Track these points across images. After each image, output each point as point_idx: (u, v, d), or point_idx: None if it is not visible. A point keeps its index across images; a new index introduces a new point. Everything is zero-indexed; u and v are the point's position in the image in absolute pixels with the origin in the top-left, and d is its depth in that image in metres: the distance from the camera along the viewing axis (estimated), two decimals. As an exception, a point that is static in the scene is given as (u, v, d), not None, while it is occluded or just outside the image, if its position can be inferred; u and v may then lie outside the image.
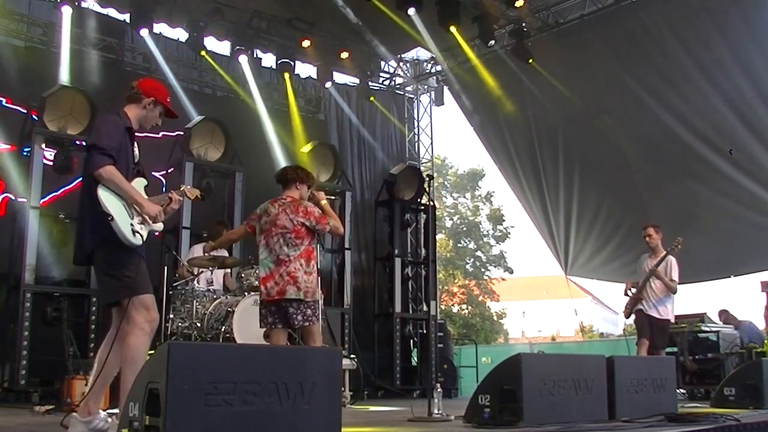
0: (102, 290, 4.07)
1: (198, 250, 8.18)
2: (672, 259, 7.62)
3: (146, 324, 3.90)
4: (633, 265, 8.17)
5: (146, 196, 4.11)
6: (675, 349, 9.23)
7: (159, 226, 4.20)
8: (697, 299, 12.24)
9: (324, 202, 5.74)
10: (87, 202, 3.99)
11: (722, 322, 10.23)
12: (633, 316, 7.86)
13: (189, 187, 4.48)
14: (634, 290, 7.81)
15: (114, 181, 3.88)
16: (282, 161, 11.12)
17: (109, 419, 3.92)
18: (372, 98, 13.06)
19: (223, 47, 11.65)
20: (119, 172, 3.91)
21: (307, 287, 5.37)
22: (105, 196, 3.86)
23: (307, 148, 11.13)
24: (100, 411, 3.97)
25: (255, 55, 11.66)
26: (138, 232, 3.94)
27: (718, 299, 13.10)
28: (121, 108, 4.20)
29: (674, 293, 7.69)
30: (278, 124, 11.77)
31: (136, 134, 4.24)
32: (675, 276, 7.62)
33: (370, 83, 13.11)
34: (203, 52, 10.89)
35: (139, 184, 4.14)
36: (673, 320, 7.89)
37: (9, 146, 9.02)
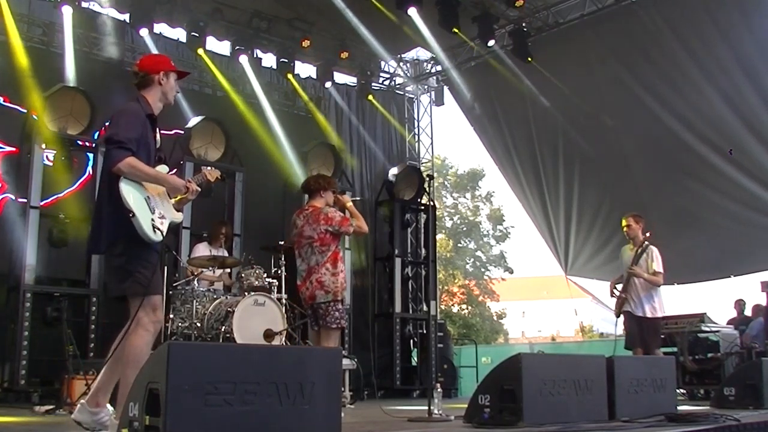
0: (111, 282, 3.96)
1: (201, 249, 8.18)
2: (653, 249, 7.32)
3: (151, 325, 3.86)
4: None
5: None
6: (675, 349, 9.22)
7: (179, 217, 4.15)
8: (697, 299, 12.24)
9: (349, 204, 6.03)
10: (106, 198, 3.92)
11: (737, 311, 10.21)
12: (622, 317, 7.55)
13: (209, 168, 4.43)
14: (619, 287, 7.52)
15: (135, 172, 3.82)
16: (282, 161, 11.13)
17: (114, 417, 3.91)
18: (370, 96, 13.04)
19: (223, 47, 11.67)
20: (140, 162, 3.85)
21: (335, 288, 5.70)
22: (126, 191, 3.79)
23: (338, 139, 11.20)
24: (108, 405, 3.96)
25: (255, 55, 11.67)
26: (158, 228, 3.88)
27: (718, 299, 13.11)
28: (138, 95, 4.10)
29: (659, 286, 7.34)
30: (278, 124, 11.76)
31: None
32: (657, 267, 7.27)
33: (370, 83, 13.10)
34: (201, 50, 10.88)
35: (161, 171, 4.10)
36: (662, 315, 7.51)
37: (13, 149, 9.01)
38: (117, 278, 3.92)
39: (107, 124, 4.32)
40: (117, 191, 3.79)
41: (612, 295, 7.62)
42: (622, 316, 7.56)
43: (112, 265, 3.96)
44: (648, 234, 7.39)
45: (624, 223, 7.54)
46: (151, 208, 3.90)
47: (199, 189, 4.20)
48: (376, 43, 11.80)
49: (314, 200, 5.95)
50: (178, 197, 4.16)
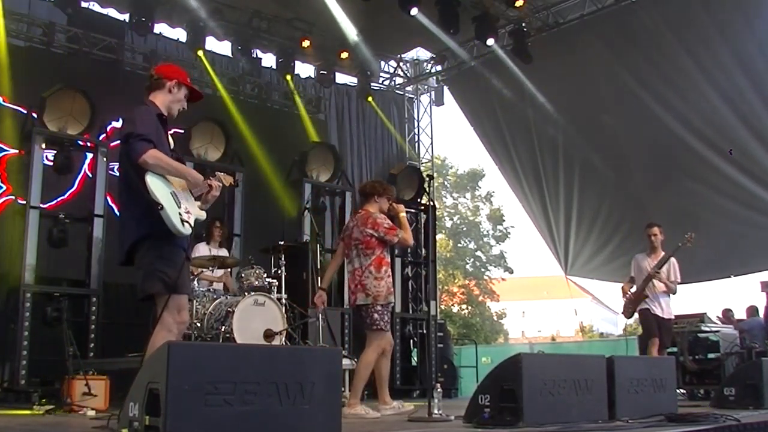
0: (139, 282, 3.86)
1: (201, 249, 8.17)
2: (674, 260, 7.59)
3: (174, 325, 3.81)
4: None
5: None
6: (675, 349, 9.22)
7: (203, 215, 4.08)
8: (697, 299, 12.25)
9: (402, 214, 6.07)
10: (127, 198, 3.88)
11: (725, 320, 10.23)
12: (636, 315, 7.78)
13: (223, 174, 4.39)
14: (632, 290, 7.72)
15: (160, 163, 3.77)
16: (282, 161, 11.13)
17: None
18: (370, 98, 13.02)
19: (224, 47, 11.69)
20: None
21: (377, 292, 5.78)
22: (153, 184, 3.72)
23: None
24: None
25: (255, 55, 11.67)
26: (186, 221, 3.80)
27: (718, 299, 13.11)
28: (146, 98, 4.07)
29: (673, 294, 7.67)
30: (278, 124, 11.77)
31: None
32: (678, 277, 7.61)
33: (370, 83, 13.11)
34: (200, 52, 10.87)
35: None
36: (673, 317, 7.86)
37: (17, 151, 9.01)
38: (142, 278, 3.83)
39: (119, 125, 4.28)
40: (141, 186, 3.71)
41: (624, 297, 7.79)
42: (637, 314, 7.76)
43: (138, 265, 3.87)
44: (689, 240, 7.50)
45: (655, 231, 7.70)
46: (178, 202, 3.82)
47: (221, 185, 4.14)
48: (376, 43, 11.74)
49: (368, 204, 6.05)
50: (204, 195, 4.09)
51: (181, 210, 3.82)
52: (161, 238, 3.78)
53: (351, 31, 11.27)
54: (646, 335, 7.72)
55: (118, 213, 4.03)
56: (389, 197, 6.11)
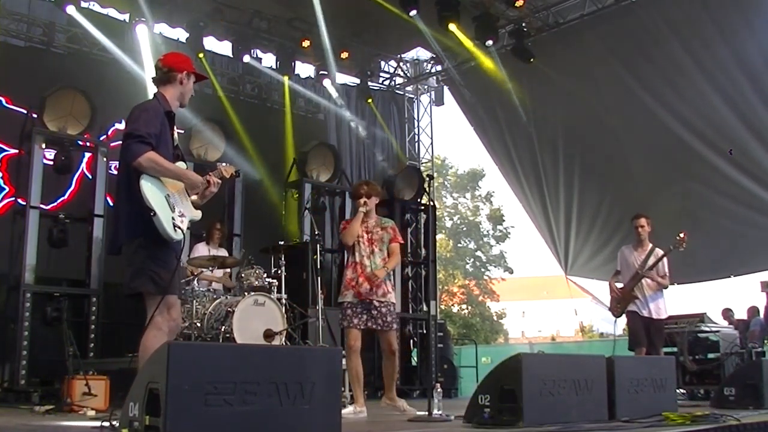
0: (125, 279, 3.87)
1: (200, 249, 8.17)
2: (659, 252, 7.31)
3: (165, 324, 3.82)
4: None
5: None
6: (675, 349, 9.22)
7: (198, 215, 4.07)
8: (697, 299, 12.26)
9: (360, 210, 6.10)
10: (124, 195, 3.86)
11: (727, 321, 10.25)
12: (625, 317, 7.50)
13: (225, 165, 4.37)
14: (618, 285, 7.45)
15: (155, 167, 3.75)
16: (281, 161, 11.14)
17: None
18: (370, 100, 13.02)
19: (224, 47, 11.68)
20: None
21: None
22: (147, 188, 3.72)
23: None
24: None
25: (255, 55, 11.67)
26: (179, 227, 3.80)
27: (718, 299, 13.12)
28: (157, 92, 4.06)
29: (666, 289, 7.38)
30: (278, 124, 11.77)
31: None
32: (666, 270, 7.34)
33: (370, 83, 13.10)
34: (201, 54, 10.87)
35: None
36: (666, 316, 7.49)
37: (17, 151, 9.01)
38: (130, 276, 3.83)
39: (122, 126, 4.31)
40: (136, 189, 3.71)
41: (612, 293, 7.54)
42: (624, 315, 7.52)
43: (128, 263, 3.86)
44: (682, 241, 7.29)
45: (642, 222, 7.48)
46: (171, 206, 3.82)
47: (220, 182, 4.12)
48: (376, 42, 11.78)
49: None
50: (201, 191, 4.07)
51: (175, 214, 3.82)
52: (154, 239, 3.77)
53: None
54: (632, 342, 7.43)
55: (113, 207, 4.01)
56: (358, 197, 6.09)
